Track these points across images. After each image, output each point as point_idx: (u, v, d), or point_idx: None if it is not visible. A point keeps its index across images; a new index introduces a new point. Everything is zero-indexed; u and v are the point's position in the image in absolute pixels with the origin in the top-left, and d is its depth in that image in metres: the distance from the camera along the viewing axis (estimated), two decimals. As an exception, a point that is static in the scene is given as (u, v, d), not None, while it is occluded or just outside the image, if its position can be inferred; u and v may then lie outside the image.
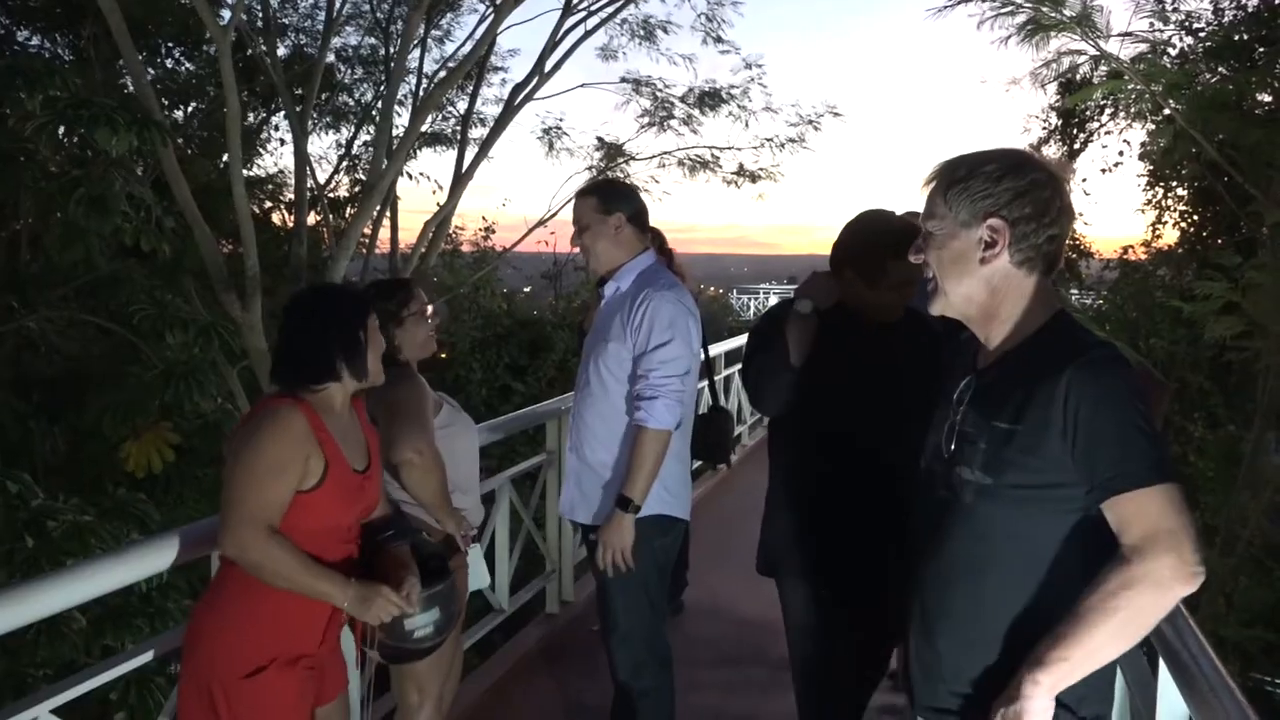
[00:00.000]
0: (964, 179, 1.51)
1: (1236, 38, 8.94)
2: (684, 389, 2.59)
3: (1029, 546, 1.47)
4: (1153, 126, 8.21)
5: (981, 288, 1.53)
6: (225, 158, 11.18)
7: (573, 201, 2.76)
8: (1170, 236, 11.64)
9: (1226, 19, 9.34)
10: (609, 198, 2.69)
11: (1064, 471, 1.43)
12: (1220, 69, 8.68)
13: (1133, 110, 9.14)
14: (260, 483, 1.91)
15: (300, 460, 1.94)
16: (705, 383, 4.31)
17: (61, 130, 6.60)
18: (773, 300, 29.58)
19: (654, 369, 2.53)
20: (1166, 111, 7.26)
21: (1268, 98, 8.18)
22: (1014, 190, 1.48)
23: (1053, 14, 5.72)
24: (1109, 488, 1.40)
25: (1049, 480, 1.44)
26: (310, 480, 1.95)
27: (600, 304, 2.75)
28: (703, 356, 3.63)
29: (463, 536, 2.63)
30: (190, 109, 13.26)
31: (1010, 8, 5.94)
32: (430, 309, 2.63)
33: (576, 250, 2.78)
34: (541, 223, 11.52)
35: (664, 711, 2.74)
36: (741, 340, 9.16)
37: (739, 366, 8.58)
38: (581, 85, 11.20)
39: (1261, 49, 8.68)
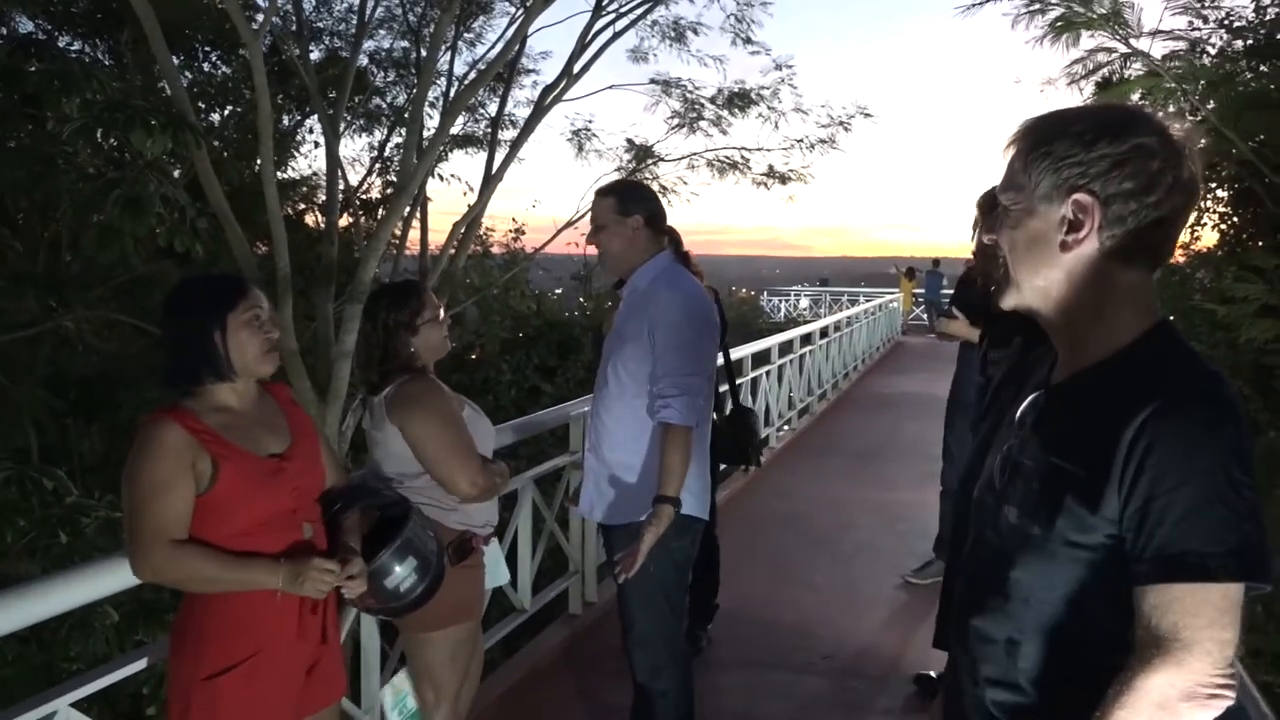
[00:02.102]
0: (1049, 141, 1.19)
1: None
2: (703, 386, 2.58)
3: (1079, 620, 1.17)
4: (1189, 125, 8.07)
5: (1061, 279, 1.20)
6: (259, 160, 11.33)
7: (592, 200, 2.75)
8: (1209, 239, 11.42)
9: (1269, 16, 9.15)
10: (628, 199, 2.68)
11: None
12: (1262, 67, 8.52)
13: (1171, 110, 9.00)
14: (149, 504, 1.90)
15: (185, 470, 1.92)
16: (726, 384, 4.29)
17: (99, 133, 6.72)
18: (804, 303, 29.34)
19: (676, 366, 2.52)
20: (1202, 112, 7.13)
21: (1310, 97, 7.98)
22: (1111, 158, 1.15)
23: (1083, 10, 5.63)
24: (1160, 570, 1.08)
25: (1111, 542, 1.13)
26: (203, 482, 1.94)
27: (619, 305, 2.75)
28: (721, 359, 3.61)
29: (481, 536, 2.64)
30: (226, 112, 13.47)
31: (1039, 6, 5.86)
32: (442, 312, 2.63)
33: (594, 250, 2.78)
34: (570, 224, 11.53)
35: (683, 713, 2.73)
36: (771, 341, 9.12)
37: (766, 368, 8.62)
38: (610, 87, 11.22)
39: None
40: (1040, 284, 1.23)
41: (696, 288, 2.65)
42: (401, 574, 2.22)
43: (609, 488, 2.68)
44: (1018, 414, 1.30)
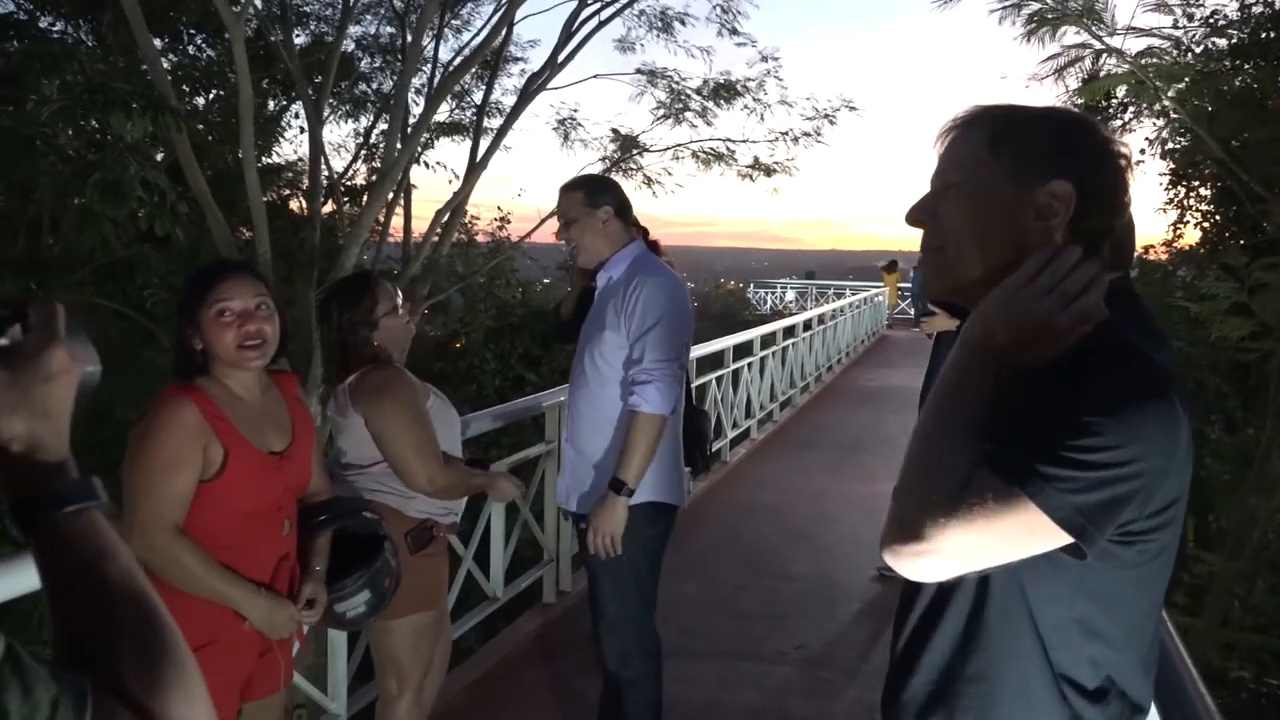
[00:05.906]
0: (1024, 125, 1.14)
1: (1263, 35, 8.82)
2: (678, 374, 2.58)
3: (1028, 640, 1.12)
4: (1165, 122, 8.11)
5: (1015, 266, 1.12)
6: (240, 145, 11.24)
7: (557, 196, 2.75)
8: (1192, 237, 11.50)
9: (1253, 15, 9.20)
10: (595, 191, 2.69)
11: None
12: (1245, 65, 8.57)
13: (1155, 108, 9.05)
14: (157, 480, 1.88)
15: (196, 451, 1.89)
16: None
17: (79, 115, 6.67)
18: (790, 296, 29.37)
19: (647, 353, 2.52)
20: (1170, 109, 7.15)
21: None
22: (1090, 152, 1.12)
23: (1058, 5, 5.65)
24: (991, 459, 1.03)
25: None
26: (211, 469, 1.91)
27: (594, 295, 2.74)
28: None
29: (443, 525, 2.63)
30: (211, 96, 13.36)
31: (1015, 1, 5.88)
32: (400, 301, 2.57)
33: (563, 243, 2.78)
34: (554, 213, 11.49)
35: (650, 701, 2.72)
36: (752, 334, 9.15)
37: (748, 360, 8.63)
38: (595, 76, 11.19)
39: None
40: (989, 269, 1.13)
41: (673, 275, 2.65)
42: (354, 604, 2.27)
43: (585, 476, 2.67)
44: None
